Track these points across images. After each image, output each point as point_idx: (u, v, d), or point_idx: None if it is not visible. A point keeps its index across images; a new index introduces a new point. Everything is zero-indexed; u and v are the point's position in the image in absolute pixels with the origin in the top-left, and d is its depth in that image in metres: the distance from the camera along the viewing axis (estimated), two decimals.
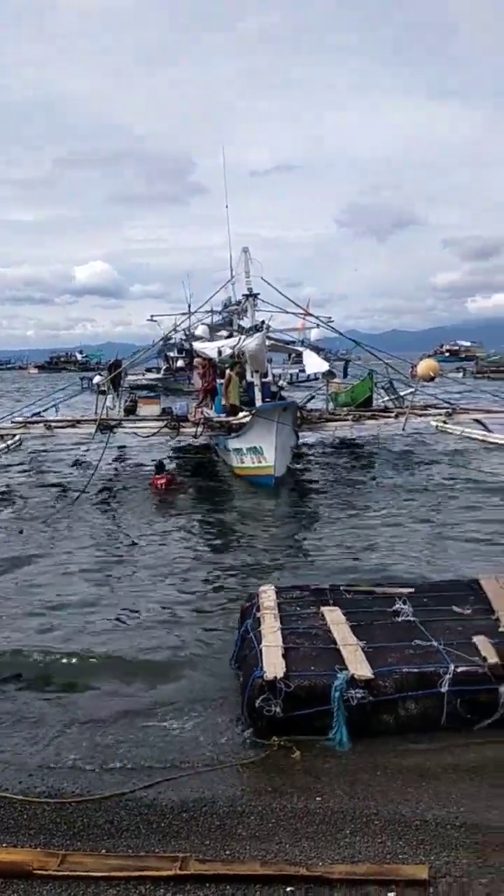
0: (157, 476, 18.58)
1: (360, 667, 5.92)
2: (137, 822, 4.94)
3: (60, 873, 4.23)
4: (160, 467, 19.08)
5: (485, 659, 6.00)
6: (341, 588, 7.83)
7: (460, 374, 63.57)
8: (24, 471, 22.04)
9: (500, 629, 6.56)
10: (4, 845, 4.60)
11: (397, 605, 7.07)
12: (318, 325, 25.30)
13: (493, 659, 5.99)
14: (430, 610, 7.04)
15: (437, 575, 9.81)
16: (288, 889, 4.01)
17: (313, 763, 5.60)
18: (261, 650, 6.19)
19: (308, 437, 23.54)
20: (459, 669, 5.89)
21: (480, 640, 6.25)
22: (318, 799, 5.10)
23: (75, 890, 4.13)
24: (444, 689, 5.80)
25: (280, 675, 5.79)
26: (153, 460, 20.60)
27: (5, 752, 6.07)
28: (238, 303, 25.66)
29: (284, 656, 6.07)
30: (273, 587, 7.76)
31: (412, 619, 6.81)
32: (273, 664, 5.93)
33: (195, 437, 21.98)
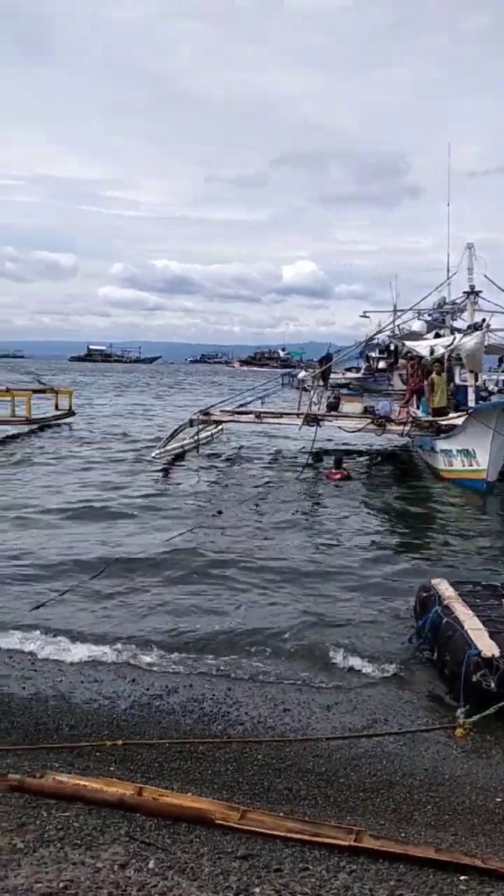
0: (332, 471, 19.02)
1: None
2: (315, 793, 5.06)
3: (240, 827, 4.41)
4: (338, 462, 19.48)
5: None
6: None
7: None
8: (230, 454, 23.06)
9: None
10: (190, 794, 4.88)
11: None
12: None
13: None
14: None
15: None
16: (461, 878, 3.97)
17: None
18: (468, 632, 6.51)
19: None
20: None
21: None
22: (497, 800, 4.99)
23: (252, 845, 4.26)
24: None
25: (497, 654, 6.13)
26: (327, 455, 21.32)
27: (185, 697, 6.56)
28: (454, 302, 25.05)
29: (491, 638, 6.36)
30: (445, 580, 8.02)
31: None
32: (487, 644, 6.27)
33: (401, 435, 21.88)
